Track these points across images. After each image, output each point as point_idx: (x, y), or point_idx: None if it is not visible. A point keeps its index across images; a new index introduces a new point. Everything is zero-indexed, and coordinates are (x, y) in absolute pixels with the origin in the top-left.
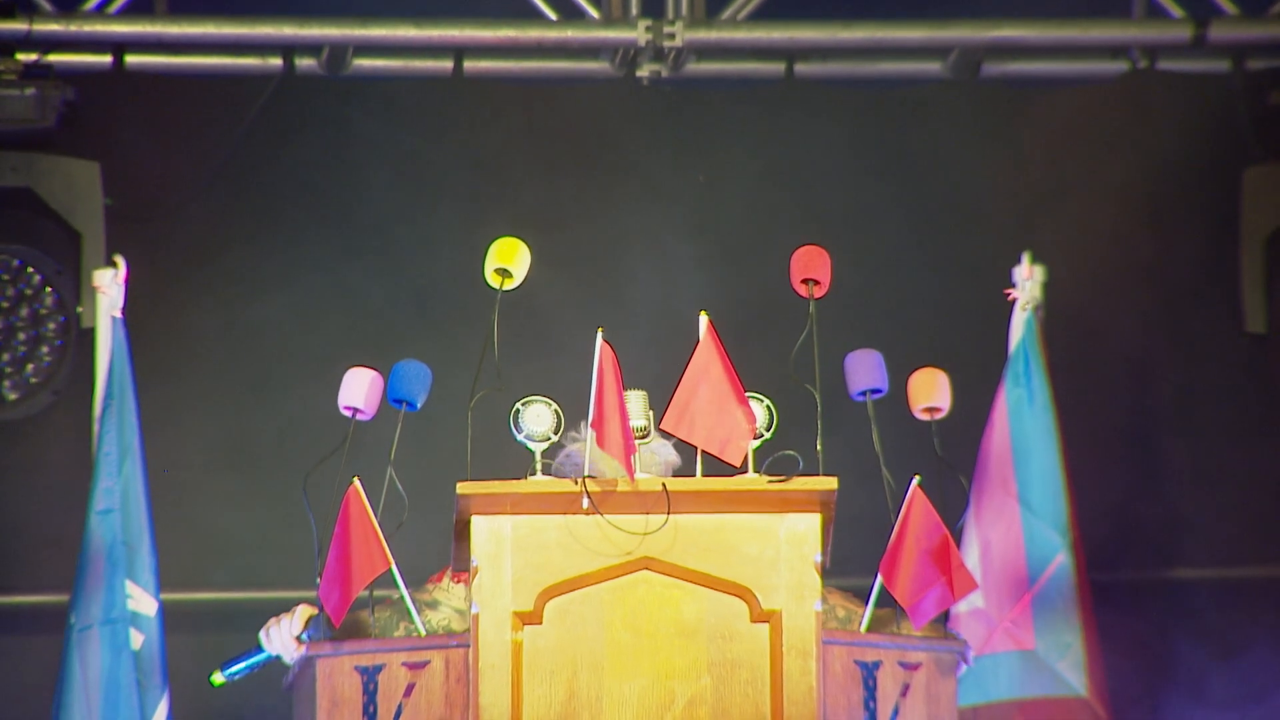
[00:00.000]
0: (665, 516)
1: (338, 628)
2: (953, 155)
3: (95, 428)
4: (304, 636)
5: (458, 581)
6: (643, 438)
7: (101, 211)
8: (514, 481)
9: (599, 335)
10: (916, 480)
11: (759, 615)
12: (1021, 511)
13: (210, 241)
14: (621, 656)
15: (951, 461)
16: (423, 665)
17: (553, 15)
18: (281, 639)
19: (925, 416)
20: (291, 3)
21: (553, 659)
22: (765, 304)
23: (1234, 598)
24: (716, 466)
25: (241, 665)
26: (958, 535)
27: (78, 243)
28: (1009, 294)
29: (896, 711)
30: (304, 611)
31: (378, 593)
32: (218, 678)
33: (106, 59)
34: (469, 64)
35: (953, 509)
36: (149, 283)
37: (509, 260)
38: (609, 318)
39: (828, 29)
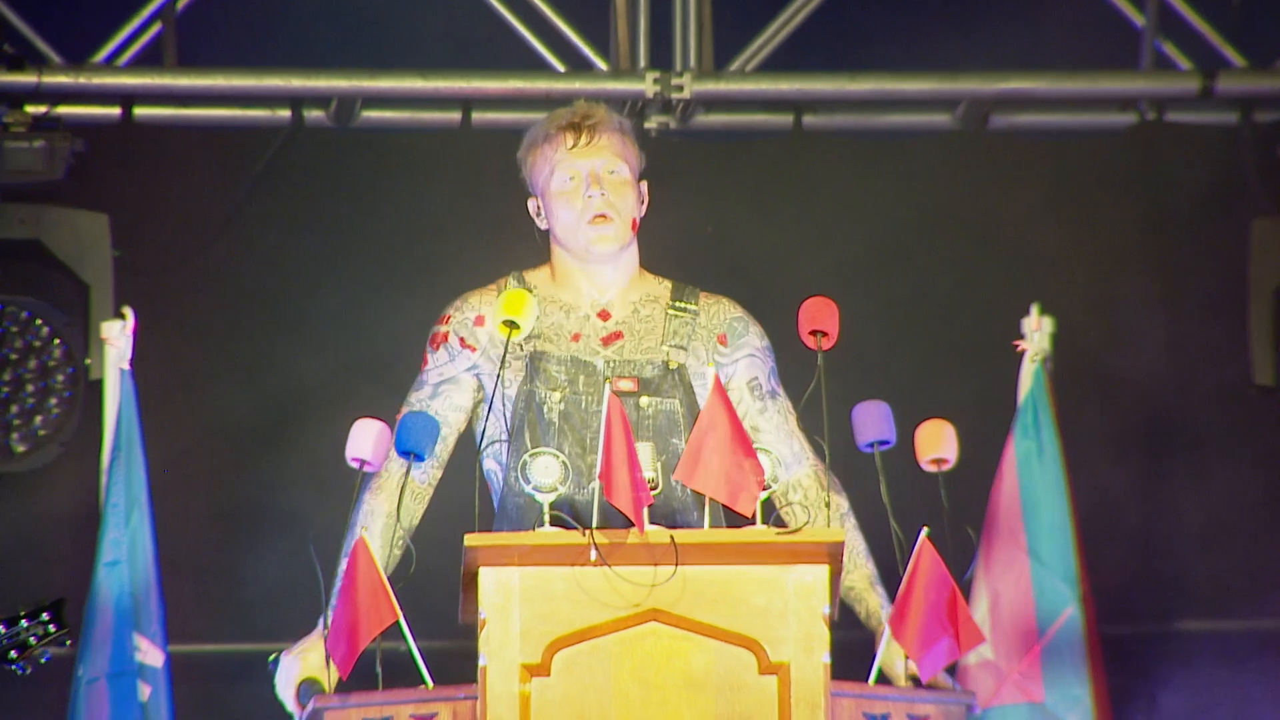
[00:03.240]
0: (673, 568)
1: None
2: (961, 206)
3: (103, 479)
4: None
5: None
6: (652, 489)
7: (110, 263)
8: (522, 533)
9: (607, 389)
10: (925, 532)
11: (767, 667)
12: (1031, 563)
13: (219, 293)
14: (630, 709)
15: (959, 513)
16: (430, 718)
17: (561, 67)
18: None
19: (933, 468)
20: (300, 55)
21: (561, 711)
22: (773, 355)
23: (1244, 651)
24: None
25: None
26: (966, 587)
27: (86, 295)
28: (1018, 345)
29: None
30: (294, 677)
31: (385, 644)
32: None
33: (115, 111)
34: (477, 115)
35: (961, 561)
36: (157, 335)
37: (517, 311)
38: None
39: (836, 81)
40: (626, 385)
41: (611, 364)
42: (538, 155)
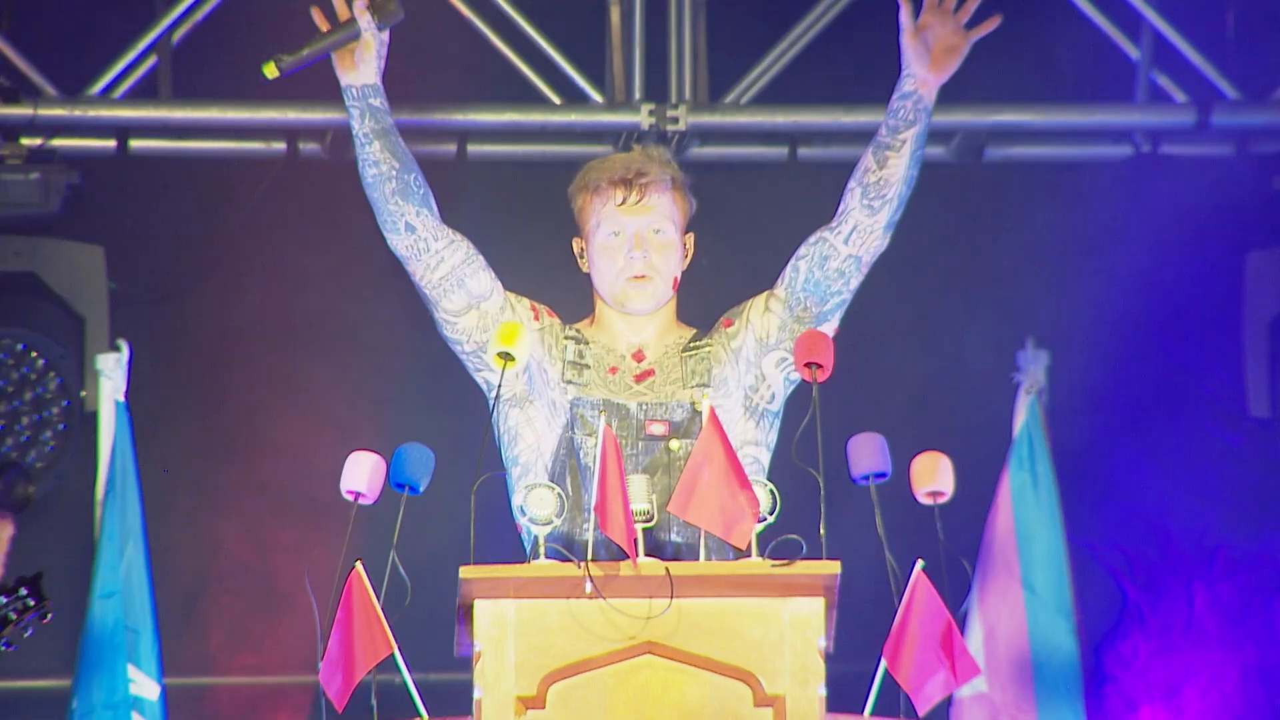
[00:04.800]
0: (668, 600)
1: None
2: (956, 239)
3: (98, 511)
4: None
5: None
6: (646, 522)
7: (105, 295)
8: (517, 565)
9: (601, 420)
10: (920, 564)
11: (762, 700)
12: (1025, 595)
13: (214, 325)
14: None
15: (955, 546)
16: None
17: (556, 99)
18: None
19: (928, 500)
20: (295, 87)
21: None
22: None
23: (1237, 683)
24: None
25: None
26: (961, 620)
27: (81, 327)
28: (1013, 378)
29: None
30: None
31: (380, 677)
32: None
33: (111, 143)
34: (473, 147)
35: (956, 593)
36: (152, 367)
37: (511, 343)
38: None
39: (831, 113)
40: (658, 429)
41: (644, 407)
42: (586, 202)
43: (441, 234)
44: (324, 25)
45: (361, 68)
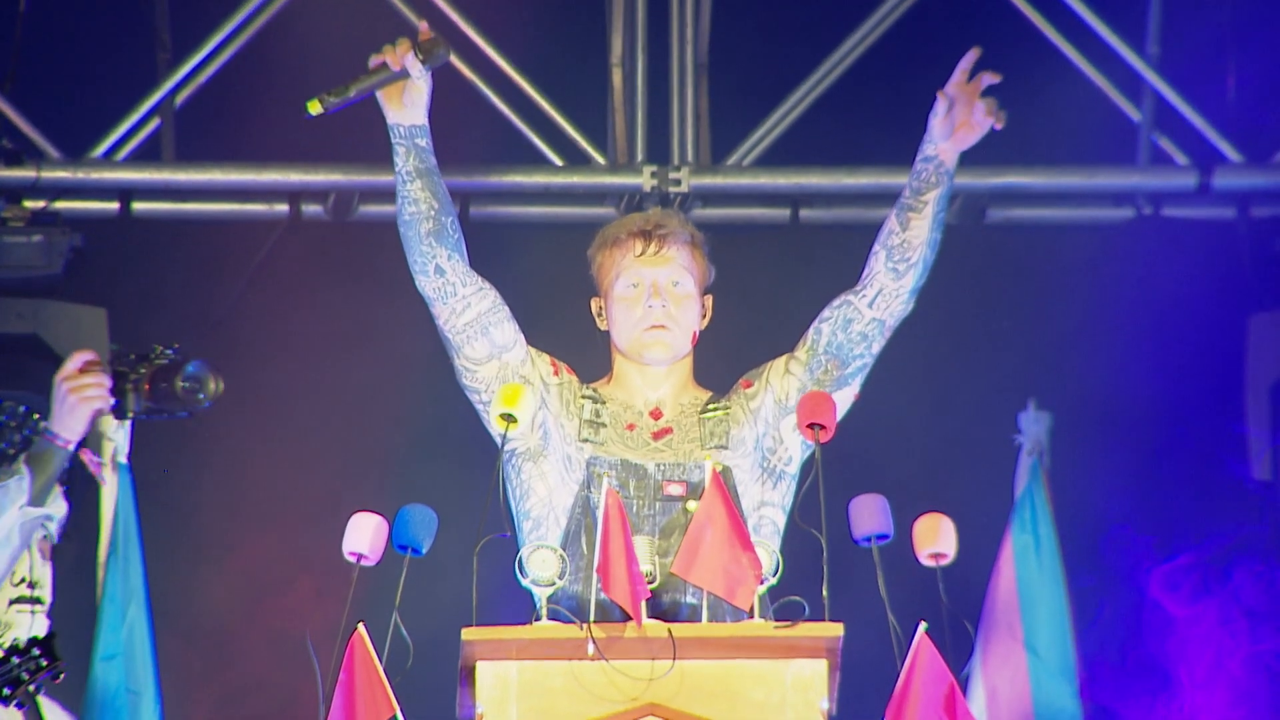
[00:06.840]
0: (671, 662)
1: None
2: (958, 301)
3: (100, 573)
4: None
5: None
6: (650, 583)
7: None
8: (519, 627)
9: (605, 483)
10: (923, 627)
11: None
12: (1028, 658)
13: None
14: None
15: (957, 608)
16: None
17: (558, 161)
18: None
19: (931, 562)
20: (297, 149)
21: None
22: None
23: None
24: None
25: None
26: (964, 682)
27: None
28: (1015, 440)
29: None
30: None
31: None
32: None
33: (113, 205)
34: (475, 209)
35: (959, 655)
36: (155, 428)
37: (513, 404)
38: None
39: (833, 175)
40: (676, 489)
41: (663, 468)
42: (606, 257)
43: (470, 280)
44: (372, 63)
45: (409, 109)
